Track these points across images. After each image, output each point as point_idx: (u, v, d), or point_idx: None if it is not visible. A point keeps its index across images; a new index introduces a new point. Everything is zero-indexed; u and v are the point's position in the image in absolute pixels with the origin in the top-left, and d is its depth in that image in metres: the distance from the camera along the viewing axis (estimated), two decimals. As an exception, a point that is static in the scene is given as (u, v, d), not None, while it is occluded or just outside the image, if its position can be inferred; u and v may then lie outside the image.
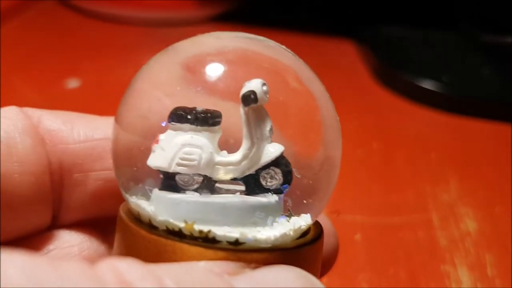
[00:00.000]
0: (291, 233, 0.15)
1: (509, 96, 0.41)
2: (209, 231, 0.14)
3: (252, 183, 0.15)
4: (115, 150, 0.16)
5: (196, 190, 0.15)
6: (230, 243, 0.14)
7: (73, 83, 0.41)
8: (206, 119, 0.15)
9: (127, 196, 0.16)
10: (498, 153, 0.37)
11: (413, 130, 0.39)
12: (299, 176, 0.16)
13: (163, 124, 0.15)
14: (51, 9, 0.55)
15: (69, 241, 0.18)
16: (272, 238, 0.15)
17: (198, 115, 0.15)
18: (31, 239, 0.18)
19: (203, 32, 0.53)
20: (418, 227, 0.30)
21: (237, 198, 0.15)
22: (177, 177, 0.15)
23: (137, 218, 0.15)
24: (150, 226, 0.15)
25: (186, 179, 0.15)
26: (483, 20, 0.48)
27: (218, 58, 0.16)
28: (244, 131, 0.15)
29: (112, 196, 0.17)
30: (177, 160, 0.15)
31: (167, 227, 0.15)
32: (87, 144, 0.18)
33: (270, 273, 0.14)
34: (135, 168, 0.16)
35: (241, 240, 0.14)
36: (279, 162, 0.15)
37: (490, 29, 0.47)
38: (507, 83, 0.42)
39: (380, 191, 0.34)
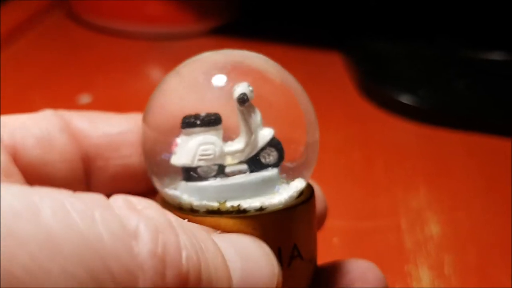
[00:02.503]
0: (294, 194, 0.20)
1: (480, 108, 0.45)
2: (238, 205, 0.19)
3: (254, 163, 0.20)
4: (148, 153, 0.21)
5: (214, 177, 0.20)
6: (256, 210, 0.19)
7: (85, 99, 0.45)
8: (211, 121, 0.20)
9: (165, 190, 0.21)
10: (467, 162, 0.41)
11: (391, 141, 0.43)
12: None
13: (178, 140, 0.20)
14: (58, 24, 0.59)
15: None
16: (283, 200, 0.20)
17: (204, 119, 0.20)
18: None
19: (203, 44, 0.58)
20: (388, 231, 0.34)
21: (250, 177, 0.20)
22: (198, 170, 0.20)
23: (178, 207, 0.20)
24: (191, 210, 0.20)
25: (205, 170, 0.20)
26: (459, 36, 0.52)
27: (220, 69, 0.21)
28: (242, 124, 0.20)
29: (128, 178, 0.23)
30: (197, 156, 0.19)
31: (207, 208, 0.19)
32: (106, 138, 0.23)
33: (232, 236, 0.18)
34: (165, 166, 0.20)
35: (263, 206, 0.19)
36: (272, 142, 0.20)
37: (467, 45, 0.51)
38: (480, 96, 0.46)
39: (358, 197, 0.38)
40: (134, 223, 0.15)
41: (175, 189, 0.20)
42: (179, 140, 0.20)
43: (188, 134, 0.20)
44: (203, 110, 0.20)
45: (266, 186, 0.20)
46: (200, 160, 0.20)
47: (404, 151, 0.42)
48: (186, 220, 0.18)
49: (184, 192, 0.20)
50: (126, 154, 0.23)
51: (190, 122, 0.20)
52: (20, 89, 0.46)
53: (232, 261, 0.17)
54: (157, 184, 0.21)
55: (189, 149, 0.19)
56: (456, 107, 0.45)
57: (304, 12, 0.61)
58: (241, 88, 0.20)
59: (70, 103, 0.45)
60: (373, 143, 0.43)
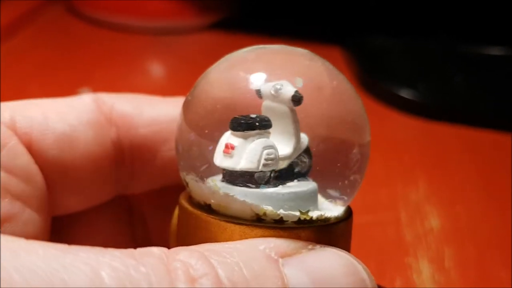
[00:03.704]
0: (345, 208, 0.19)
1: (479, 103, 0.45)
2: (322, 215, 0.18)
3: (285, 169, 0.19)
4: (188, 152, 0.20)
5: (266, 183, 0.18)
6: (294, 222, 0.18)
7: (85, 93, 0.45)
8: (266, 124, 0.18)
9: (233, 196, 0.18)
10: (466, 156, 0.41)
11: (391, 135, 0.44)
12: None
13: (210, 148, 0.19)
14: (58, 18, 0.59)
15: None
16: (324, 216, 0.18)
17: (262, 122, 0.18)
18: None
19: (203, 39, 0.57)
20: (388, 224, 0.34)
21: (307, 185, 0.19)
22: (256, 175, 0.18)
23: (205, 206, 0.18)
24: (258, 220, 0.18)
25: (261, 175, 0.18)
26: (459, 31, 0.52)
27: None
28: (291, 127, 0.19)
29: (175, 170, 0.21)
30: (263, 161, 0.18)
31: (297, 218, 0.18)
32: (153, 128, 0.21)
33: (320, 258, 0.16)
34: (207, 165, 0.19)
35: (302, 218, 0.18)
36: (305, 149, 0.19)
37: (466, 40, 0.51)
38: (478, 91, 0.47)
39: (358, 191, 0.38)
40: None
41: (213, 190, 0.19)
42: (236, 142, 0.18)
43: (245, 137, 0.18)
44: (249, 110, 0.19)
45: (314, 198, 0.19)
46: (264, 165, 0.18)
47: (404, 145, 0.42)
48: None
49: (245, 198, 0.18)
50: (172, 147, 0.21)
51: (248, 124, 0.18)
52: (20, 83, 0.46)
53: None
54: (196, 184, 0.19)
55: (253, 152, 0.18)
56: (455, 101, 0.45)
57: (305, 8, 0.61)
58: (291, 87, 0.18)
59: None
60: (372, 137, 0.43)
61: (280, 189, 0.18)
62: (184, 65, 0.53)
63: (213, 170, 0.19)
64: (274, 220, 0.18)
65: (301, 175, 0.19)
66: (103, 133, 0.21)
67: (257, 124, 0.18)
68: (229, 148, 0.18)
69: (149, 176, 0.22)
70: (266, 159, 0.18)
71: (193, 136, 0.20)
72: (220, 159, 0.18)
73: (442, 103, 0.45)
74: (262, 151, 0.18)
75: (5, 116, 0.19)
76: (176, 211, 0.20)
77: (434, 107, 0.44)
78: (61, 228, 0.22)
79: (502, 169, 0.39)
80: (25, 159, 0.19)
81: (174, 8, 0.56)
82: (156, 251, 0.15)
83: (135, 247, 0.15)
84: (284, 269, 0.16)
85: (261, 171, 0.18)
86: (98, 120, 0.21)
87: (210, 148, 0.19)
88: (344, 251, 0.17)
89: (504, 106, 0.45)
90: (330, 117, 0.20)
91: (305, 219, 0.18)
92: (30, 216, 0.19)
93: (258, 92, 0.19)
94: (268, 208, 0.18)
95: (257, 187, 0.18)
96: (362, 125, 0.21)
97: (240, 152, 0.18)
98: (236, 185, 0.18)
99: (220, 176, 0.19)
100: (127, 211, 0.24)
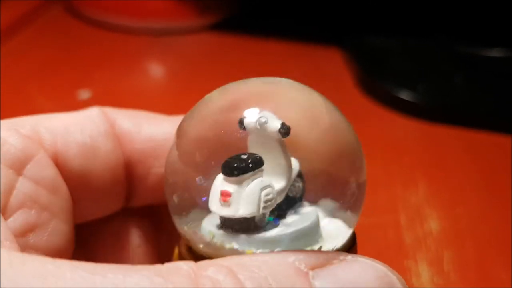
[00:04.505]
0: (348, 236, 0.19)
1: (479, 105, 0.45)
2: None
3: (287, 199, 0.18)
4: (181, 194, 0.19)
5: (267, 224, 0.18)
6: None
7: (84, 94, 0.45)
8: (259, 162, 0.17)
9: (197, 234, 0.18)
10: (465, 158, 0.41)
11: (390, 137, 0.44)
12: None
13: (204, 199, 0.18)
14: (57, 19, 0.59)
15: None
16: (344, 242, 0.19)
17: (253, 162, 0.17)
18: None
19: (203, 39, 0.57)
20: (388, 227, 0.34)
21: (302, 223, 0.18)
22: (256, 219, 0.17)
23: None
24: None
25: (262, 218, 0.18)
26: (458, 32, 0.52)
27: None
28: (282, 158, 0.18)
29: None
30: (262, 204, 0.17)
31: None
32: (150, 144, 0.22)
33: (351, 270, 0.16)
34: (199, 206, 0.18)
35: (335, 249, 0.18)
36: (298, 174, 0.19)
37: (465, 41, 0.51)
38: (478, 92, 0.47)
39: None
40: None
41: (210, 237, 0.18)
42: (231, 189, 0.17)
43: (239, 182, 0.17)
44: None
45: (317, 230, 0.18)
46: (264, 208, 0.17)
47: (403, 147, 0.42)
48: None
49: (243, 246, 0.17)
50: None
51: (242, 167, 0.17)
52: (20, 84, 0.46)
53: None
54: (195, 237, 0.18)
55: (251, 197, 0.17)
56: (455, 103, 0.45)
57: (304, 8, 0.61)
58: (277, 121, 0.18)
59: (69, 99, 0.45)
60: (371, 139, 0.43)
61: (283, 230, 0.18)
62: (184, 65, 0.53)
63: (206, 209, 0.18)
64: None
65: (297, 200, 0.19)
66: (117, 143, 0.21)
67: (250, 166, 0.17)
68: (225, 196, 0.17)
69: (143, 191, 0.23)
70: (265, 201, 0.17)
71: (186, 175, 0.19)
72: (217, 207, 0.18)
73: (441, 104, 0.45)
74: (260, 193, 0.17)
75: (27, 128, 0.20)
76: (176, 251, 0.20)
77: (433, 109, 0.44)
78: (85, 236, 0.22)
79: (502, 171, 0.39)
80: (52, 171, 0.19)
81: (174, 8, 0.56)
82: (184, 266, 0.15)
83: (159, 253, 0.15)
84: (314, 281, 0.15)
85: (262, 213, 0.17)
86: (112, 132, 0.21)
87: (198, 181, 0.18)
88: (377, 261, 0.16)
89: (504, 107, 0.45)
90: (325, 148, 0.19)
91: None
92: (57, 226, 0.19)
93: (241, 124, 0.18)
94: None
95: (259, 230, 0.17)
96: (357, 154, 0.20)
97: (237, 198, 0.17)
98: (237, 232, 0.18)
99: (211, 218, 0.18)
100: (150, 216, 0.24)
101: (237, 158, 0.17)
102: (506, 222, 0.34)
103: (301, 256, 0.16)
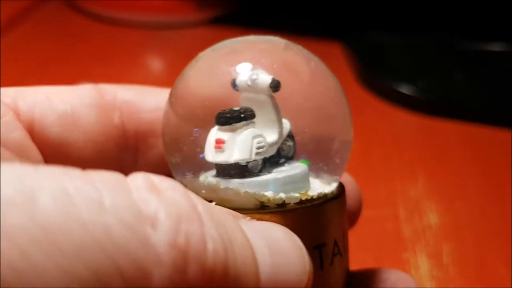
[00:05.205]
0: (332, 188, 0.20)
1: (479, 99, 0.45)
2: (281, 199, 0.18)
3: (273, 156, 0.19)
4: (177, 146, 0.20)
5: (260, 171, 0.19)
6: (296, 203, 0.19)
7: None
8: (251, 114, 0.19)
9: (201, 181, 0.19)
10: (465, 152, 0.41)
11: (390, 131, 0.44)
12: None
13: (201, 156, 0.19)
14: (57, 13, 0.59)
15: None
16: (323, 193, 0.19)
17: (245, 113, 0.19)
18: None
19: (203, 34, 0.57)
20: (387, 220, 0.34)
21: (293, 170, 0.19)
22: (249, 165, 0.18)
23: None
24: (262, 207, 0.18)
25: (254, 164, 0.19)
26: (459, 27, 0.52)
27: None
28: (273, 113, 0.19)
29: None
30: (255, 150, 0.18)
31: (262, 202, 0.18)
32: (158, 113, 0.21)
33: (262, 224, 0.17)
34: (199, 157, 0.19)
35: (303, 199, 0.19)
36: (289, 134, 0.20)
37: (466, 36, 0.51)
38: (478, 87, 0.47)
39: (357, 187, 0.38)
40: (152, 208, 0.13)
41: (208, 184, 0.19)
42: (225, 136, 0.18)
43: (232, 130, 0.18)
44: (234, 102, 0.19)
45: (307, 178, 0.19)
46: (256, 154, 0.18)
47: (403, 141, 0.42)
48: (213, 203, 0.17)
49: (245, 188, 0.18)
50: None
51: (235, 117, 0.18)
52: (19, 78, 0.46)
53: (261, 254, 0.15)
54: (193, 183, 0.19)
55: (244, 143, 0.18)
56: (455, 97, 0.45)
57: (305, 3, 0.61)
58: (264, 74, 0.19)
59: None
60: (372, 133, 0.43)
61: (276, 175, 0.19)
62: (184, 60, 0.52)
63: (204, 165, 0.19)
64: (277, 204, 0.18)
65: (289, 159, 0.20)
66: (105, 115, 0.21)
67: (242, 115, 0.19)
68: (219, 143, 0.18)
69: (153, 161, 0.22)
70: (257, 148, 0.19)
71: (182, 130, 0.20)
72: (212, 155, 0.19)
73: (442, 99, 0.45)
74: (253, 141, 0.18)
75: (5, 94, 0.20)
76: None
77: (434, 103, 0.44)
78: None
79: (502, 165, 0.39)
80: (19, 134, 0.19)
81: (173, 3, 0.56)
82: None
83: None
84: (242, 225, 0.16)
85: (254, 160, 0.18)
86: (100, 103, 0.21)
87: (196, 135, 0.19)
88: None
89: (504, 102, 0.45)
90: (309, 99, 0.20)
91: (306, 199, 0.19)
92: None
93: (234, 85, 0.19)
94: (270, 194, 0.18)
95: (253, 176, 0.18)
96: (342, 102, 0.21)
97: (231, 145, 0.18)
98: (232, 178, 0.19)
99: (210, 172, 0.19)
100: None
101: (230, 110, 0.19)
102: (505, 216, 0.34)
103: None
